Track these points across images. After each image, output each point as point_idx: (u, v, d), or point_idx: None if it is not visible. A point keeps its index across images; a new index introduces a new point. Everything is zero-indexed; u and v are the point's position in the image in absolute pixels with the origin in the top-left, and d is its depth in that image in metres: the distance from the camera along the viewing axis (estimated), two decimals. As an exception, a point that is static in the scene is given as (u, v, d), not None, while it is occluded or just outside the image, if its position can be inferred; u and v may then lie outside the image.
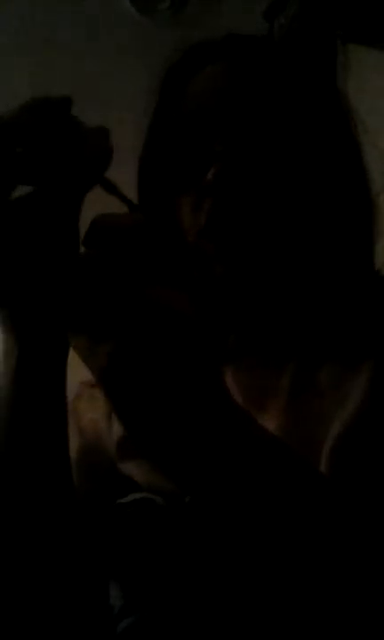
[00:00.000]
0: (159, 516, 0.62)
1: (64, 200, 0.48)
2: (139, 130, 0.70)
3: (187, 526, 0.60)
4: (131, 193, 0.70)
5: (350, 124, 0.71)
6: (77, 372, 0.55)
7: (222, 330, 0.69)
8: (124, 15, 1.86)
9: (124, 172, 0.71)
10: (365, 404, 0.59)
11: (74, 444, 0.73)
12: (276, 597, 0.50)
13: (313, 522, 0.47)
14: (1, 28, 1.83)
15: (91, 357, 0.45)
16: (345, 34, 1.51)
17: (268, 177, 0.64)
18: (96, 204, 0.50)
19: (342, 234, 0.67)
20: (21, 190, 0.48)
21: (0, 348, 0.55)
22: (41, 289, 0.50)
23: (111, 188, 0.49)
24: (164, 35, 1.84)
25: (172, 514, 0.61)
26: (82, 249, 0.48)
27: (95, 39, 1.85)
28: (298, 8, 1.45)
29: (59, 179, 0.47)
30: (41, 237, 0.48)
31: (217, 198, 0.63)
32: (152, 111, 0.70)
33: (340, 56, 1.53)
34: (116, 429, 0.71)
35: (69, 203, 0.48)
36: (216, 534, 0.54)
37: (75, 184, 0.48)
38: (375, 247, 0.69)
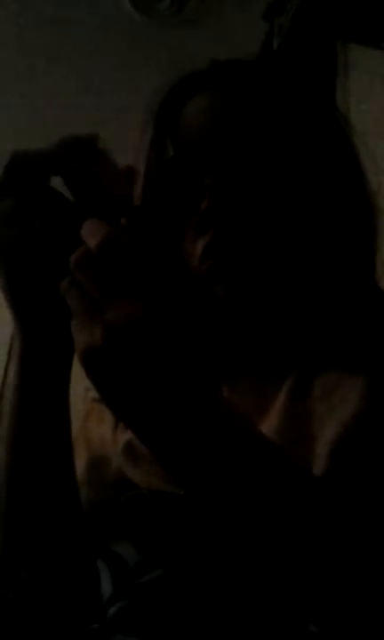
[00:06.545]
0: (149, 507, 0.64)
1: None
2: (139, 128, 0.71)
3: (179, 517, 0.61)
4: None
5: (349, 143, 0.71)
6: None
7: (226, 349, 0.71)
8: (124, 15, 1.86)
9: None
10: (363, 407, 0.60)
11: (83, 458, 0.75)
12: (269, 590, 0.51)
13: (305, 521, 0.48)
14: (1, 27, 1.84)
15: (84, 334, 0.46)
16: (346, 34, 1.51)
17: (259, 205, 0.65)
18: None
19: (339, 247, 0.68)
20: None
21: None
22: (47, 292, 0.53)
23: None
24: (164, 35, 1.84)
25: (163, 505, 0.63)
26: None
27: (95, 39, 1.86)
28: (298, 8, 1.45)
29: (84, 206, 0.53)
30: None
31: (211, 229, 0.65)
32: (148, 143, 0.72)
33: (340, 57, 1.53)
34: (121, 437, 0.73)
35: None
36: (209, 527, 0.55)
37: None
38: (376, 257, 0.70)
